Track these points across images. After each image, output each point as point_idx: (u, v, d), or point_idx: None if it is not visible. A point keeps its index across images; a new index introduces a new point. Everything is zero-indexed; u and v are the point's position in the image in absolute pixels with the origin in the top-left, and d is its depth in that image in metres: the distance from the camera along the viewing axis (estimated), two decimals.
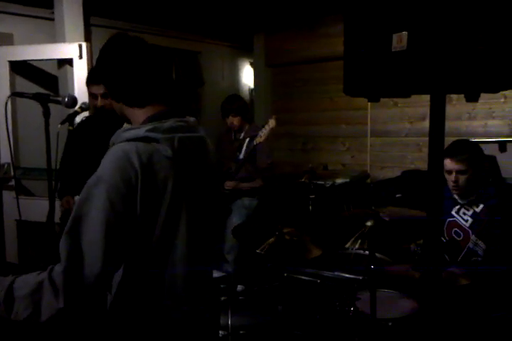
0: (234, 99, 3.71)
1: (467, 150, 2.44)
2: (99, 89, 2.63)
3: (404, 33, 0.98)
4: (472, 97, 1.00)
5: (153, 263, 1.27)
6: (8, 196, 3.89)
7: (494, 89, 0.98)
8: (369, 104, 4.59)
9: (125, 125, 1.54)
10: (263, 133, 3.40)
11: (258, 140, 3.41)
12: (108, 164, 1.21)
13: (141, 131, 1.24)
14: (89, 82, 2.73)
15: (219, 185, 1.49)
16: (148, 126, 1.25)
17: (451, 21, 0.92)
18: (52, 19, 3.97)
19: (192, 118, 1.39)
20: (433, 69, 0.96)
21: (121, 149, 1.21)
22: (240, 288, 2.77)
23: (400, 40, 0.99)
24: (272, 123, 3.39)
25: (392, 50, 1.00)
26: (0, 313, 1.18)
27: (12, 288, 1.18)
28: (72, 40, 3.80)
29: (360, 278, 2.47)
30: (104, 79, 1.36)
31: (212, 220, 1.43)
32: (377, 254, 2.18)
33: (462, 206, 2.50)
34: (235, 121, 3.65)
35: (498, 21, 0.90)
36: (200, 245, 1.36)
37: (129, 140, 1.24)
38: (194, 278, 1.34)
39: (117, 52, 1.35)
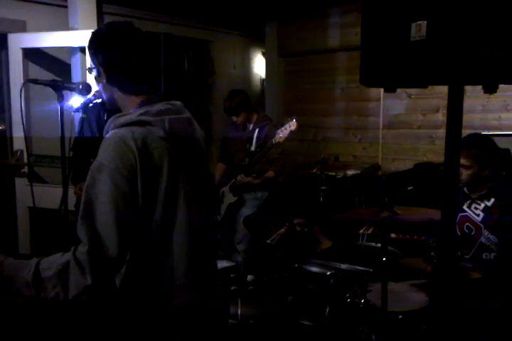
0: (230, 99, 3.59)
1: (476, 145, 2.41)
2: None
3: (424, 22, 0.96)
4: (490, 89, 0.98)
5: (156, 245, 1.32)
6: (21, 183, 3.93)
7: None
8: (382, 95, 4.54)
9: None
10: (283, 134, 3.29)
11: (277, 139, 3.31)
12: (107, 150, 1.28)
13: (134, 116, 1.32)
14: None
15: (208, 161, 1.55)
16: (140, 111, 1.34)
17: (470, 11, 0.90)
18: (66, 6, 3.97)
19: (178, 102, 1.47)
20: (452, 60, 0.94)
21: (117, 135, 1.29)
22: (249, 277, 2.79)
23: (418, 30, 0.97)
24: (293, 125, 3.28)
25: (411, 40, 0.98)
26: (29, 293, 1.27)
27: (39, 270, 1.26)
28: (84, 28, 3.80)
29: (371, 270, 2.46)
30: (105, 65, 1.40)
31: (207, 199, 1.49)
32: (389, 247, 2.16)
33: (473, 200, 2.49)
34: (238, 119, 3.61)
35: None
36: (198, 224, 1.40)
37: (123, 125, 1.32)
38: (196, 262, 1.38)
39: (119, 38, 1.39)
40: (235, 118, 3.63)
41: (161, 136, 1.32)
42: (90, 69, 1.46)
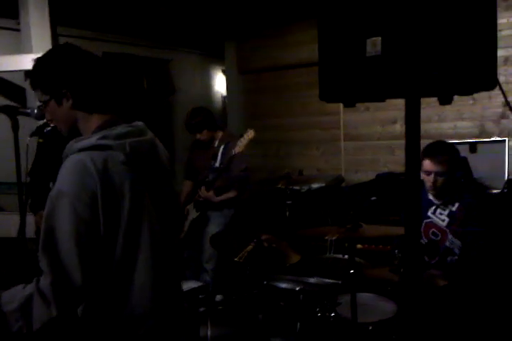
0: (192, 116, 3.58)
1: (447, 152, 2.45)
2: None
3: (378, 38, 0.99)
4: (446, 100, 1.01)
5: (119, 271, 1.28)
6: None
7: (467, 92, 0.99)
8: (341, 108, 4.63)
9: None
10: (242, 144, 3.32)
11: (237, 150, 3.34)
12: (66, 176, 1.24)
13: (93, 140, 1.28)
14: None
15: (174, 185, 1.52)
16: (99, 135, 1.29)
17: (423, 26, 0.93)
18: (18, 30, 3.89)
19: (140, 123, 1.43)
20: (407, 74, 0.97)
21: (76, 160, 1.25)
22: (218, 297, 2.74)
23: (374, 45, 1.00)
24: (250, 134, 3.32)
25: (367, 55, 1.00)
26: None
27: (0, 303, 1.23)
28: (39, 51, 3.72)
29: (340, 282, 2.47)
30: (65, 86, 1.34)
31: (173, 221, 1.47)
32: (356, 258, 2.18)
33: (438, 206, 2.53)
34: (202, 136, 3.60)
35: (470, 25, 0.91)
36: (163, 248, 1.37)
37: (81, 150, 1.27)
38: (161, 286, 1.35)
39: (79, 58, 1.37)
40: (198, 136, 3.61)
41: (122, 160, 1.28)
42: (45, 103, 1.38)
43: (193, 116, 3.58)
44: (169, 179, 1.49)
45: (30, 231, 2.52)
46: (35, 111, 1.99)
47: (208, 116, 3.60)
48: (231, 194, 3.56)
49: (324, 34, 1.08)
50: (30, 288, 1.21)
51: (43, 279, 1.19)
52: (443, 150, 2.44)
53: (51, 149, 2.82)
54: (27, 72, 1.42)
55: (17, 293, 1.23)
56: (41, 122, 2.15)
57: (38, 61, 1.39)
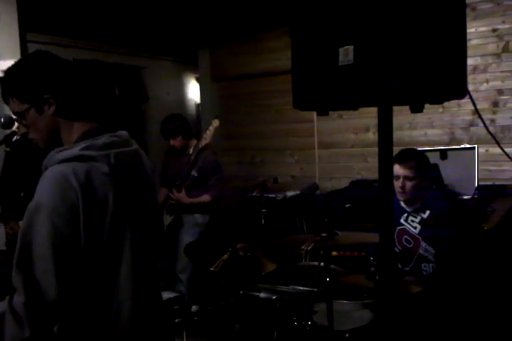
0: (169, 121, 3.59)
1: (415, 157, 2.55)
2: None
3: (351, 46, 0.99)
4: (417, 108, 1.02)
5: (99, 288, 1.23)
6: None
7: (438, 101, 1.01)
8: (315, 116, 4.66)
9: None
10: (207, 135, 3.33)
11: (204, 142, 3.33)
12: (46, 188, 1.17)
13: (75, 151, 1.22)
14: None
15: (156, 196, 1.48)
16: (82, 145, 1.23)
17: (395, 35, 0.94)
18: None
19: (124, 132, 1.38)
20: (379, 82, 0.97)
21: (56, 171, 1.19)
22: (194, 308, 2.70)
23: (346, 54, 1.00)
24: (215, 122, 3.34)
25: (339, 64, 1.01)
26: None
27: None
28: (7, 57, 3.65)
29: (316, 290, 2.46)
30: (47, 91, 1.28)
31: (154, 233, 1.42)
32: (331, 265, 2.18)
33: (410, 214, 2.57)
34: (176, 142, 3.57)
35: (440, 34, 0.92)
36: (144, 263, 1.33)
37: (63, 161, 1.21)
38: (142, 300, 1.30)
39: (54, 63, 1.32)
40: (172, 142, 3.58)
41: (105, 172, 1.22)
42: (22, 113, 1.30)
43: (169, 121, 3.57)
44: (152, 190, 1.44)
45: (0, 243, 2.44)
46: (2, 119, 1.94)
47: (184, 122, 3.60)
48: (205, 198, 3.53)
49: (297, 43, 1.09)
50: (2, 306, 1.15)
51: (17, 297, 1.13)
52: (411, 156, 2.54)
53: (19, 158, 2.75)
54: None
55: None
56: (8, 131, 2.10)
57: (11, 69, 1.32)
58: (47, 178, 1.19)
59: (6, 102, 1.34)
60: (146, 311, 1.34)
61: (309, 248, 2.00)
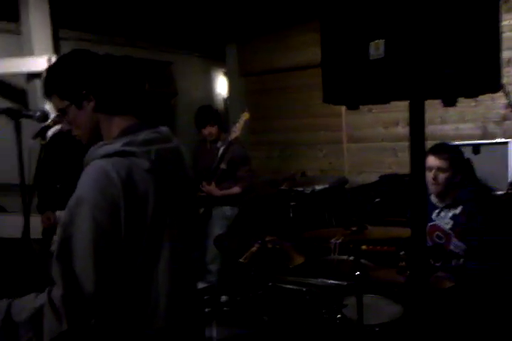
0: (207, 109, 3.67)
1: (450, 150, 2.54)
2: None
3: (381, 40, 0.99)
4: (450, 102, 1.02)
5: (136, 283, 1.24)
6: None
7: (471, 94, 0.99)
8: (343, 110, 4.63)
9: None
10: (237, 128, 3.34)
11: (233, 135, 3.34)
12: (87, 183, 1.18)
13: (117, 146, 1.22)
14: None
15: (196, 195, 1.48)
16: (124, 140, 1.24)
17: (427, 28, 0.93)
18: (20, 33, 3.91)
19: (164, 128, 1.38)
20: (411, 76, 0.97)
21: (98, 166, 1.19)
22: (224, 298, 2.74)
23: (377, 48, 1.00)
24: (244, 116, 3.35)
25: (370, 58, 1.00)
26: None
27: (10, 313, 1.17)
28: (40, 53, 3.74)
29: (345, 284, 2.47)
30: (86, 87, 1.30)
31: (193, 231, 1.42)
32: (361, 260, 2.18)
33: (441, 209, 2.54)
34: (212, 130, 3.60)
35: (473, 27, 0.91)
36: (182, 260, 1.33)
37: (104, 156, 1.21)
38: (178, 296, 1.31)
39: (92, 59, 1.33)
40: (208, 130, 3.60)
41: (146, 168, 1.22)
42: (64, 110, 1.33)
43: (206, 109, 3.65)
44: (191, 187, 1.44)
45: (35, 232, 2.51)
46: (38, 113, 2.00)
47: (218, 113, 3.69)
48: (235, 190, 3.56)
49: (327, 37, 1.09)
50: (42, 298, 1.16)
51: (56, 290, 1.14)
52: (446, 149, 2.53)
53: (55, 151, 2.83)
54: (43, 80, 1.36)
55: (28, 303, 1.18)
56: (43, 124, 2.17)
57: (51, 67, 1.35)
58: (88, 173, 1.20)
59: (49, 99, 1.37)
60: (182, 308, 1.34)
61: (339, 241, 2.00)
